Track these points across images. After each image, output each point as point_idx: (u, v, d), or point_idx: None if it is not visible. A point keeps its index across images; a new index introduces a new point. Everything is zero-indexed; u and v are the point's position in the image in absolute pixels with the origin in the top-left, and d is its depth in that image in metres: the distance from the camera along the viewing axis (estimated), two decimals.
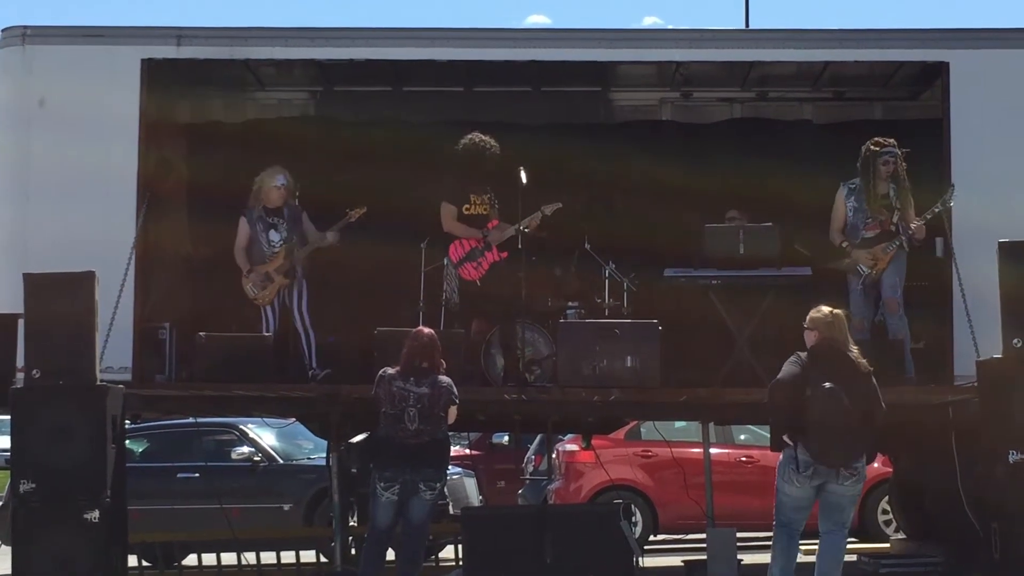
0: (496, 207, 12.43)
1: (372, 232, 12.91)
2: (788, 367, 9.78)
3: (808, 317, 9.99)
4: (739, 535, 12.64)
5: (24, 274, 11.07)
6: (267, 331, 12.33)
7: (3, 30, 12.74)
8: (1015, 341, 10.75)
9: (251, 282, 12.45)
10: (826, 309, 9.96)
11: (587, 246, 12.61)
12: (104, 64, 12.39)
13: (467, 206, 12.42)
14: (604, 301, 12.54)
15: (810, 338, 9.94)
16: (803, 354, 9.82)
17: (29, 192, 12.41)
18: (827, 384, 9.58)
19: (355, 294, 13.08)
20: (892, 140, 12.18)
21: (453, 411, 10.51)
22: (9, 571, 10.71)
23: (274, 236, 12.48)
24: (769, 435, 10.28)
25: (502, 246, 12.31)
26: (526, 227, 12.07)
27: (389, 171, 13.40)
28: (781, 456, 9.80)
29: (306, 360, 12.35)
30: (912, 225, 11.97)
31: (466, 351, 11.92)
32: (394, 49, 12.75)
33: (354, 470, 12.76)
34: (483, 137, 12.36)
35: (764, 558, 15.27)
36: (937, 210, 11.93)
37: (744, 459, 16.93)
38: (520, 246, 12.06)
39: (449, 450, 10.88)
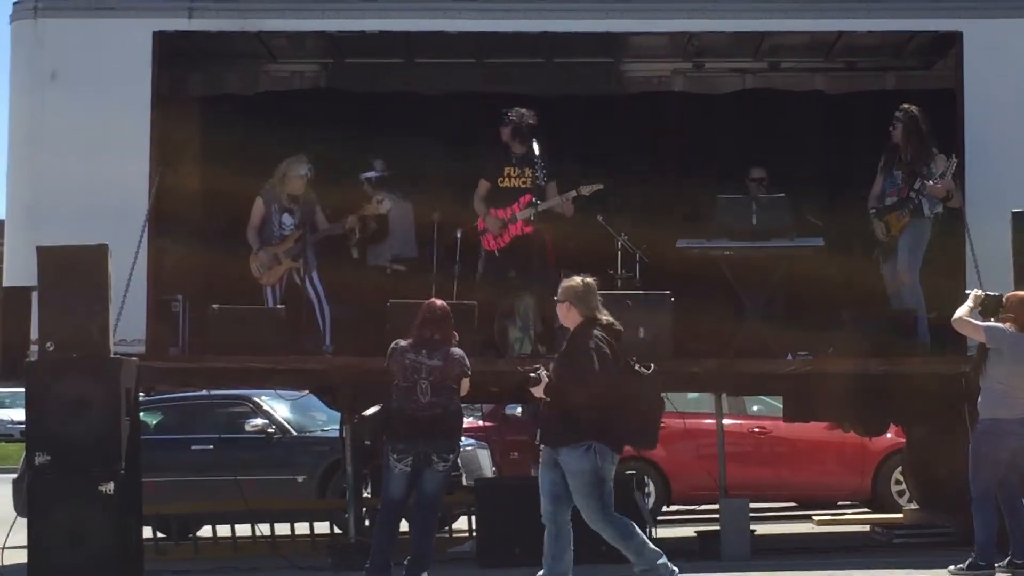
0: (539, 182, 12.37)
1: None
2: (598, 352, 8.79)
3: (561, 288, 9.09)
4: (752, 505, 12.66)
5: (38, 247, 11.10)
6: None
7: (15, 3, 12.72)
8: None
9: (258, 261, 12.53)
10: (578, 279, 9.09)
11: (600, 218, 12.60)
12: (116, 37, 12.37)
13: (502, 179, 12.47)
14: (617, 272, 12.54)
15: (571, 313, 8.99)
16: (598, 333, 8.88)
17: (42, 166, 12.41)
18: (646, 367, 9.07)
19: (368, 267, 13.08)
20: (907, 105, 12.10)
21: (466, 383, 10.50)
22: (25, 543, 10.76)
23: (287, 220, 12.57)
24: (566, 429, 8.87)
25: (528, 221, 12.32)
26: (559, 206, 12.11)
27: (400, 143, 13.39)
28: (599, 452, 8.79)
29: (321, 332, 12.38)
30: (930, 183, 11.79)
31: (479, 323, 11.93)
32: (405, 20, 12.72)
33: (367, 442, 12.77)
34: (521, 111, 12.37)
35: (777, 528, 15.41)
36: (934, 182, 11.84)
37: (757, 430, 16.94)
38: (531, 219, 12.08)
39: (462, 422, 10.87)
